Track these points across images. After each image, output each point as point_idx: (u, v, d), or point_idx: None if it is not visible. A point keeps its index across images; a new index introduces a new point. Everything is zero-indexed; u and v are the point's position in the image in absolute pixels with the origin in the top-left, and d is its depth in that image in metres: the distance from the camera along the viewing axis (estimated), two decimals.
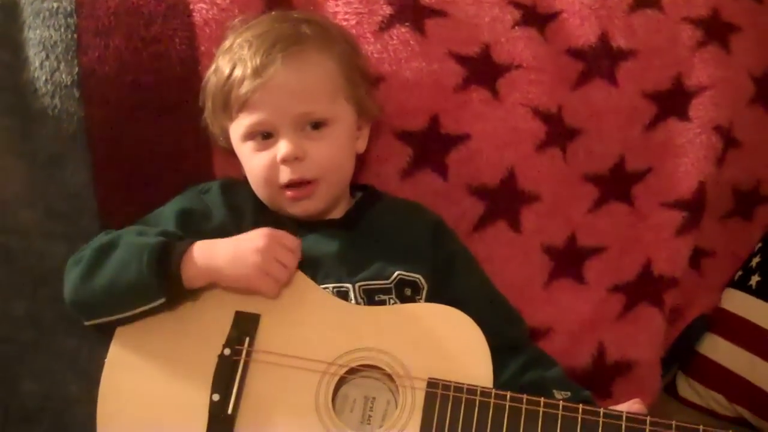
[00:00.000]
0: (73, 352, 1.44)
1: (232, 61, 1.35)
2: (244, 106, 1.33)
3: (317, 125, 1.34)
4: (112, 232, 1.33)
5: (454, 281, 1.39)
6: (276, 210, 1.39)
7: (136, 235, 1.29)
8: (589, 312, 1.59)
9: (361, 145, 1.44)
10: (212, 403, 1.19)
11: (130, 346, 1.26)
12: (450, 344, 1.23)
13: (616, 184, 1.66)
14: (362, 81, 1.42)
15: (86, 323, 1.31)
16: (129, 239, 1.28)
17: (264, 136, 1.34)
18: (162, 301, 1.24)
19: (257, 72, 1.31)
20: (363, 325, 1.24)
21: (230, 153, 1.44)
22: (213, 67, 1.40)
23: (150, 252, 1.23)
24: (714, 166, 1.66)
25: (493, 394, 1.17)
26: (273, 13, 1.45)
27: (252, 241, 1.25)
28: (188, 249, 1.25)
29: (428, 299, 1.34)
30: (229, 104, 1.35)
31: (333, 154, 1.36)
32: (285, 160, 1.32)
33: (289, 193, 1.35)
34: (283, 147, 1.32)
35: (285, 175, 1.33)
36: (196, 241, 1.27)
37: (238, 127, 1.36)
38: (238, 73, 1.33)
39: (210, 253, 1.25)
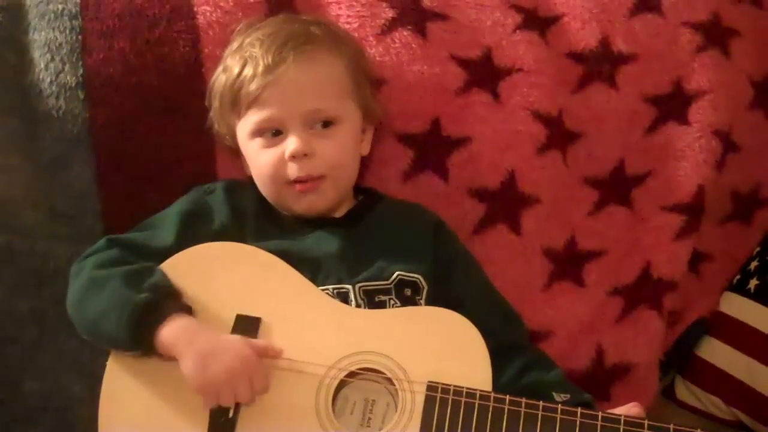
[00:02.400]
0: (75, 353, 1.45)
1: (243, 59, 1.36)
2: (254, 102, 1.34)
3: (326, 124, 1.35)
4: (114, 243, 1.34)
5: (454, 282, 1.40)
6: (281, 208, 1.40)
7: (125, 283, 1.25)
8: (588, 315, 1.60)
9: (365, 148, 1.45)
10: (213, 407, 1.19)
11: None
12: (449, 347, 1.23)
13: (616, 188, 1.66)
14: (368, 83, 1.44)
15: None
16: (116, 286, 1.25)
17: (273, 133, 1.35)
18: (138, 352, 1.23)
19: (269, 69, 1.32)
20: (363, 329, 1.25)
21: (234, 154, 1.45)
22: (221, 66, 1.41)
23: (131, 310, 1.21)
24: (713, 170, 1.67)
25: (492, 398, 1.17)
26: (281, 15, 1.46)
27: (228, 358, 1.18)
28: (170, 317, 1.21)
29: (428, 300, 1.34)
30: (239, 101, 1.36)
31: (340, 153, 1.37)
32: (294, 156, 1.33)
33: (297, 186, 1.35)
34: (291, 143, 1.33)
35: (293, 171, 1.34)
36: (180, 304, 1.24)
37: (246, 125, 1.37)
38: (248, 70, 1.34)
39: (186, 337, 1.20)
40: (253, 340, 1.22)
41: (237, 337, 1.22)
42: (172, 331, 1.20)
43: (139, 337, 1.21)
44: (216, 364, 1.18)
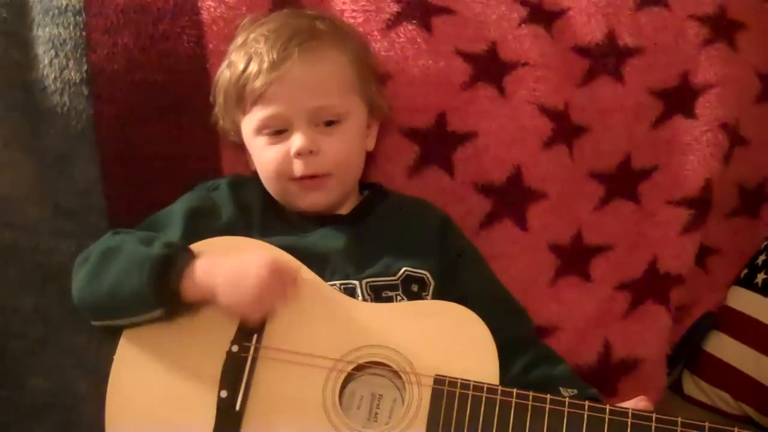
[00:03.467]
0: (81, 349, 1.44)
1: (248, 55, 1.35)
2: (259, 99, 1.34)
3: (331, 121, 1.35)
4: (120, 233, 1.34)
5: (460, 278, 1.39)
6: (285, 204, 1.40)
7: (140, 243, 1.27)
8: (595, 310, 1.60)
9: (371, 143, 1.45)
10: (220, 400, 1.19)
11: (138, 343, 1.26)
12: (457, 341, 1.23)
13: (623, 182, 1.66)
14: (373, 78, 1.44)
15: (93, 323, 1.31)
16: (132, 247, 1.27)
17: (278, 130, 1.35)
18: (160, 312, 1.23)
19: (274, 65, 1.32)
20: (370, 322, 1.24)
21: (239, 150, 1.45)
22: (226, 61, 1.41)
23: (151, 264, 1.21)
24: (720, 164, 1.66)
25: (499, 391, 1.17)
26: (285, 10, 1.46)
27: (253, 269, 1.21)
28: (189, 264, 1.23)
29: (435, 296, 1.34)
30: (244, 98, 1.35)
31: (345, 150, 1.37)
32: (299, 154, 1.33)
33: (301, 183, 1.35)
34: (297, 140, 1.33)
35: (298, 169, 1.34)
36: (198, 255, 1.25)
37: (251, 121, 1.37)
38: (253, 66, 1.34)
39: (210, 272, 1.22)
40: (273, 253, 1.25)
41: (256, 251, 1.26)
42: (195, 273, 1.22)
43: (163, 289, 1.21)
44: (245, 282, 1.20)
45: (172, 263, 1.22)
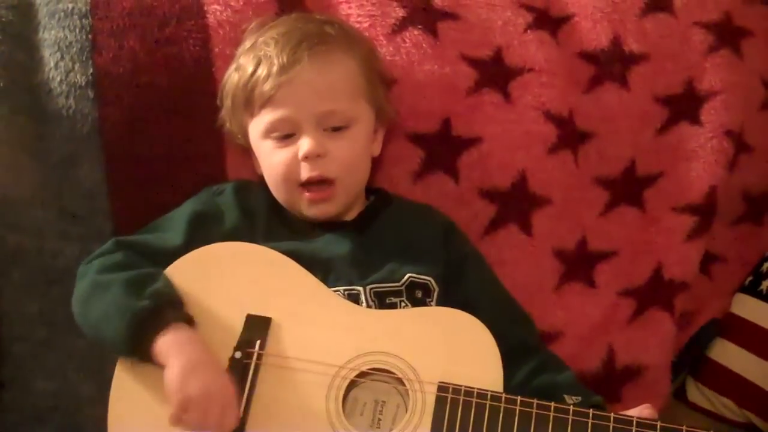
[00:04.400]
0: (84, 352, 1.45)
1: (257, 59, 1.35)
2: (268, 102, 1.34)
3: (339, 126, 1.35)
4: (121, 245, 1.33)
5: (465, 284, 1.39)
6: (290, 210, 1.39)
7: (129, 289, 1.24)
8: (599, 316, 1.59)
9: (377, 149, 1.45)
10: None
11: None
12: (460, 348, 1.23)
13: (628, 188, 1.66)
14: (381, 84, 1.44)
15: None
16: (119, 291, 1.24)
17: (286, 134, 1.35)
18: (135, 359, 1.23)
19: (284, 69, 1.32)
20: (373, 329, 1.24)
21: (244, 154, 1.45)
22: (234, 65, 1.41)
23: (130, 318, 1.20)
24: (725, 171, 1.66)
25: (503, 399, 1.17)
26: (294, 14, 1.46)
27: (196, 385, 1.16)
28: (167, 329, 1.20)
29: (439, 302, 1.34)
30: (252, 101, 1.35)
31: (353, 154, 1.37)
32: (307, 157, 1.33)
33: (307, 194, 1.35)
34: (305, 144, 1.33)
35: (305, 172, 1.34)
36: (180, 320, 1.22)
37: (259, 124, 1.36)
38: (263, 70, 1.34)
39: (175, 347, 1.19)
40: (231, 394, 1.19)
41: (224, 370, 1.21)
42: (166, 341, 1.19)
43: (137, 345, 1.20)
44: (196, 381, 1.16)
45: (152, 320, 1.20)
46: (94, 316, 1.26)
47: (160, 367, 1.19)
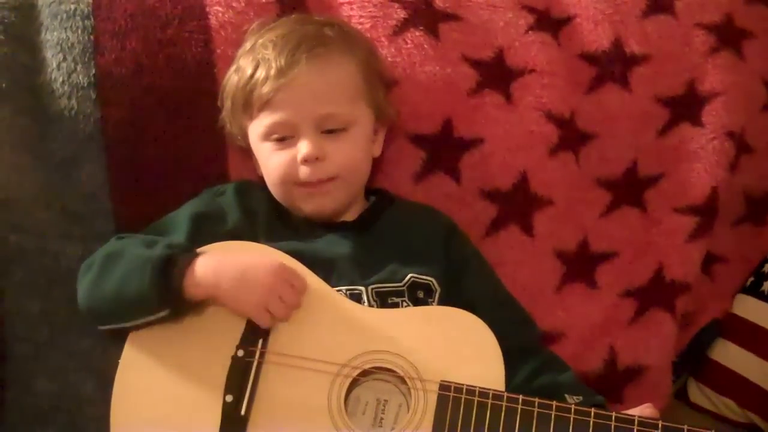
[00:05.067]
0: (87, 352, 1.44)
1: (255, 61, 1.35)
2: (267, 105, 1.34)
3: (338, 128, 1.35)
4: (124, 237, 1.34)
5: (466, 284, 1.39)
6: (291, 209, 1.40)
7: (142, 246, 1.28)
8: (600, 317, 1.59)
9: (377, 150, 1.45)
10: (225, 404, 1.19)
11: (144, 347, 1.26)
12: (462, 347, 1.23)
13: (629, 189, 1.65)
14: (381, 85, 1.43)
15: (100, 328, 1.32)
16: (134, 250, 1.27)
17: (284, 136, 1.35)
18: (165, 312, 1.24)
19: (281, 72, 1.32)
20: (376, 328, 1.24)
21: (245, 155, 1.45)
22: (234, 66, 1.41)
23: (153, 265, 1.22)
24: (726, 172, 1.66)
25: (505, 398, 1.17)
26: (294, 15, 1.46)
27: (260, 273, 1.23)
28: (191, 263, 1.23)
29: (441, 302, 1.34)
30: (251, 103, 1.35)
31: (352, 157, 1.37)
32: (306, 161, 1.33)
33: (305, 187, 1.35)
34: (304, 147, 1.33)
35: (304, 175, 1.34)
36: (201, 254, 1.25)
37: (258, 126, 1.37)
38: (261, 72, 1.34)
39: (215, 271, 1.23)
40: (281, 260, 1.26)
41: (264, 253, 1.28)
42: (199, 272, 1.23)
43: (166, 289, 1.22)
44: (252, 285, 1.22)
45: (174, 263, 1.23)
46: (113, 283, 1.26)
47: (197, 304, 1.23)
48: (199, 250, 1.28)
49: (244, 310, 1.23)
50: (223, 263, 1.24)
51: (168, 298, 1.22)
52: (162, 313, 1.24)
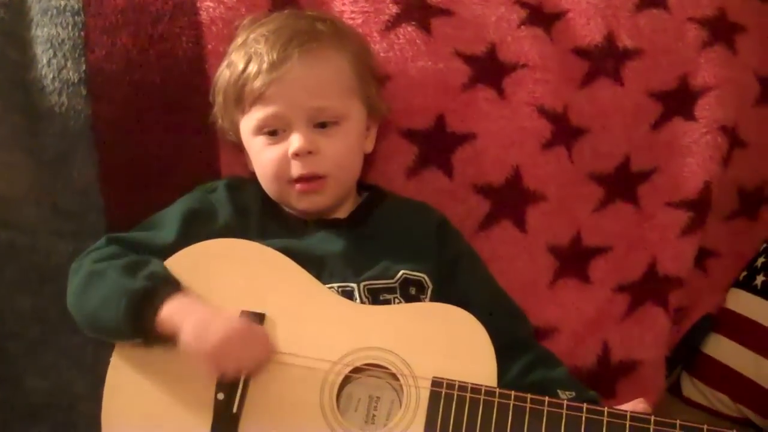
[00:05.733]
0: (78, 350, 1.44)
1: (247, 56, 1.35)
2: (258, 99, 1.33)
3: (330, 122, 1.35)
4: (114, 240, 1.34)
5: (458, 280, 1.39)
6: (283, 205, 1.39)
7: (124, 271, 1.25)
8: (593, 312, 1.59)
9: (369, 145, 1.44)
10: (217, 402, 1.19)
11: (134, 345, 1.25)
12: (454, 343, 1.23)
13: (622, 184, 1.66)
14: (373, 80, 1.43)
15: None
16: (115, 275, 1.25)
17: (276, 131, 1.35)
18: (139, 341, 1.23)
19: (273, 66, 1.32)
20: (367, 324, 1.24)
21: (237, 151, 1.45)
22: (226, 61, 1.41)
23: (128, 299, 1.21)
24: (719, 166, 1.66)
25: (497, 394, 1.17)
26: (286, 11, 1.46)
27: (221, 324, 1.18)
28: (166, 300, 1.21)
29: (433, 298, 1.34)
30: (243, 98, 1.35)
31: (344, 151, 1.36)
32: (297, 154, 1.33)
33: (298, 186, 1.35)
34: (295, 141, 1.33)
35: (296, 169, 1.34)
36: (177, 291, 1.23)
37: (249, 121, 1.36)
38: (253, 67, 1.33)
39: (180, 312, 1.20)
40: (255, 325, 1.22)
41: (236, 313, 1.23)
42: (170, 309, 1.20)
43: (138, 324, 1.21)
44: (214, 333, 1.17)
45: (150, 298, 1.21)
46: (92, 303, 1.26)
47: (168, 340, 1.20)
48: (189, 249, 1.28)
49: (197, 358, 1.18)
50: (189, 308, 1.21)
51: (140, 332, 1.22)
52: (137, 340, 1.24)
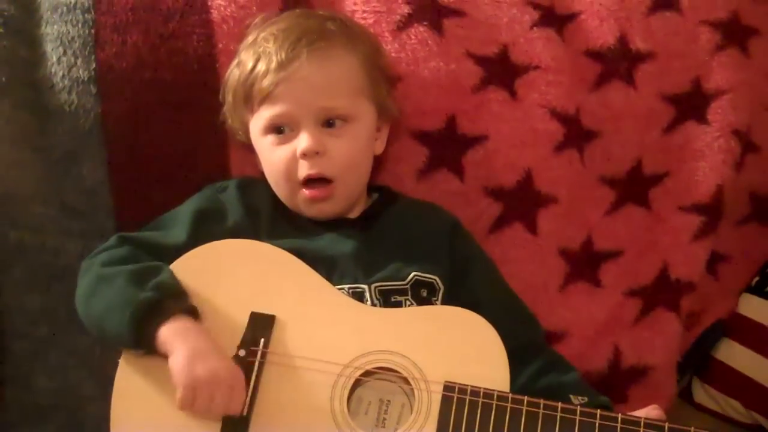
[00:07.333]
0: (86, 350, 1.44)
1: (256, 54, 1.34)
2: (267, 98, 1.33)
3: (338, 122, 1.34)
4: (125, 241, 1.33)
5: (470, 283, 1.38)
6: (292, 207, 1.39)
7: (132, 280, 1.24)
8: (605, 316, 1.59)
9: (380, 147, 1.44)
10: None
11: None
12: (466, 347, 1.22)
13: (634, 187, 1.65)
14: (384, 81, 1.42)
15: None
16: (123, 282, 1.24)
17: (285, 130, 1.34)
18: (142, 352, 1.22)
19: (282, 65, 1.31)
20: (379, 328, 1.23)
21: (247, 150, 1.44)
22: (236, 60, 1.40)
23: (132, 311, 1.19)
24: (732, 171, 1.65)
25: (509, 399, 1.16)
26: (297, 10, 1.45)
27: (210, 364, 1.16)
28: (170, 316, 1.19)
29: (444, 301, 1.33)
30: (252, 97, 1.35)
31: (352, 152, 1.35)
32: (305, 154, 1.32)
33: (306, 192, 1.34)
34: (303, 140, 1.32)
35: (304, 169, 1.33)
36: (186, 302, 1.22)
37: (258, 120, 1.36)
38: (262, 66, 1.33)
39: (179, 336, 1.19)
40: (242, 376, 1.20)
41: (231, 352, 1.21)
42: (170, 330, 1.19)
43: (141, 336, 1.20)
44: (203, 364, 1.16)
45: (155, 311, 1.20)
46: (98, 309, 1.26)
47: (165, 357, 1.18)
48: (199, 250, 1.28)
49: (177, 380, 1.16)
50: (189, 335, 1.19)
51: (142, 344, 1.21)
52: (140, 351, 1.23)
